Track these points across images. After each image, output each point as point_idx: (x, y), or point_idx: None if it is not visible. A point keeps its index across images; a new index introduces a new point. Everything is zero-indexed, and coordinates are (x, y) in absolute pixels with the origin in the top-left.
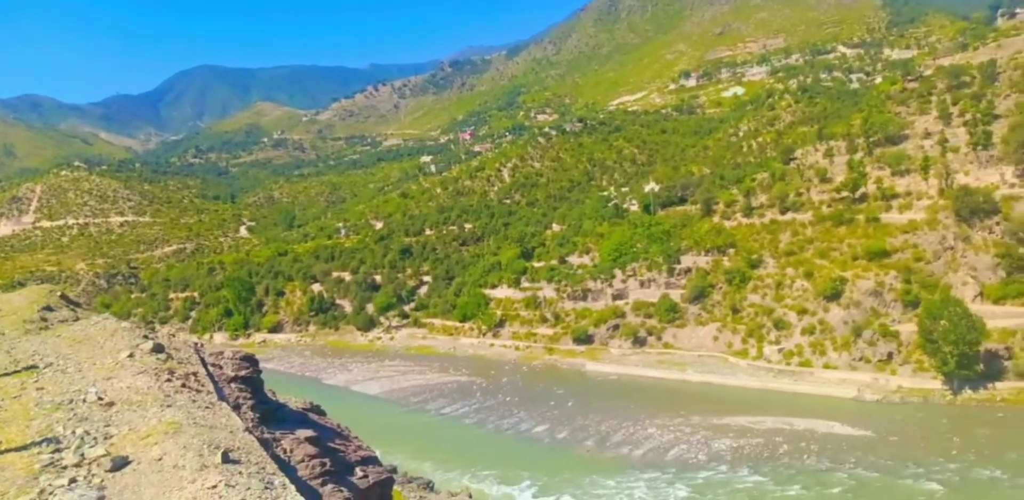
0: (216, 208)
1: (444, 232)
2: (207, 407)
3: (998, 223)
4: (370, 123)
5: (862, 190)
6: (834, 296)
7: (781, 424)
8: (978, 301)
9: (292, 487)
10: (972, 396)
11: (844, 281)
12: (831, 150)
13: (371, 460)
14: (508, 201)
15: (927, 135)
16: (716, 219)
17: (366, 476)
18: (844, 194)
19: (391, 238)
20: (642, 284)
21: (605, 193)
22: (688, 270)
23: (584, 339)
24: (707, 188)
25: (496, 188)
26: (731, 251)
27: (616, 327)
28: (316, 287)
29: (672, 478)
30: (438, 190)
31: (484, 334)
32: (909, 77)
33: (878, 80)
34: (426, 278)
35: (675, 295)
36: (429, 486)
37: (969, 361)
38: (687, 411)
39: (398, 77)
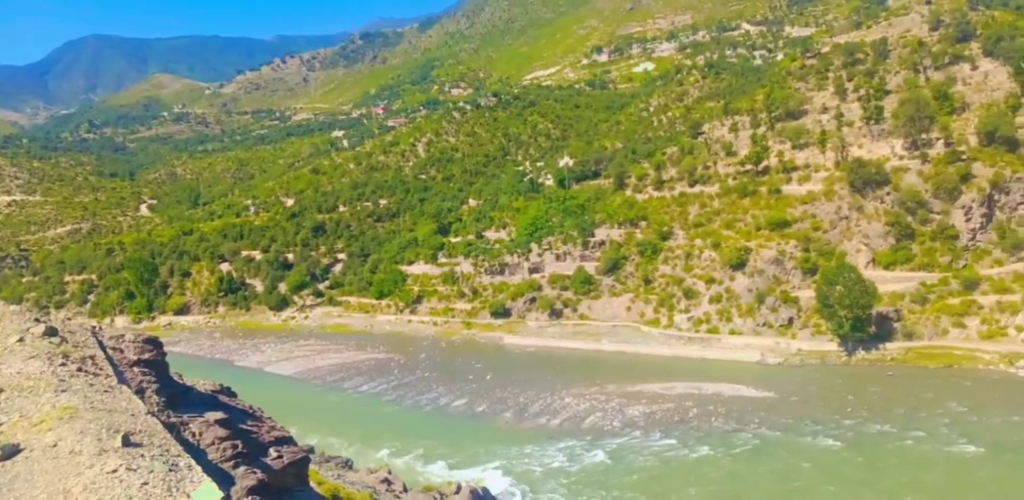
0: (114, 186)
1: (358, 208)
2: (106, 391)
3: (888, 193)
4: (278, 97)
5: (765, 163)
6: (739, 265)
7: (691, 389)
8: (870, 267)
9: (198, 468)
10: (865, 356)
11: (748, 251)
12: (736, 125)
13: (285, 440)
14: (423, 176)
15: (824, 110)
16: (628, 192)
17: (280, 457)
18: (748, 167)
19: (303, 215)
20: (558, 257)
21: (521, 168)
22: (602, 243)
23: (502, 313)
24: (619, 162)
25: (411, 163)
26: (643, 223)
27: (533, 300)
28: (225, 267)
29: (588, 445)
30: (351, 166)
31: (401, 311)
32: (808, 54)
33: (779, 57)
34: (341, 256)
35: (590, 267)
36: (348, 464)
37: (862, 324)
38: (602, 380)
39: (306, 49)
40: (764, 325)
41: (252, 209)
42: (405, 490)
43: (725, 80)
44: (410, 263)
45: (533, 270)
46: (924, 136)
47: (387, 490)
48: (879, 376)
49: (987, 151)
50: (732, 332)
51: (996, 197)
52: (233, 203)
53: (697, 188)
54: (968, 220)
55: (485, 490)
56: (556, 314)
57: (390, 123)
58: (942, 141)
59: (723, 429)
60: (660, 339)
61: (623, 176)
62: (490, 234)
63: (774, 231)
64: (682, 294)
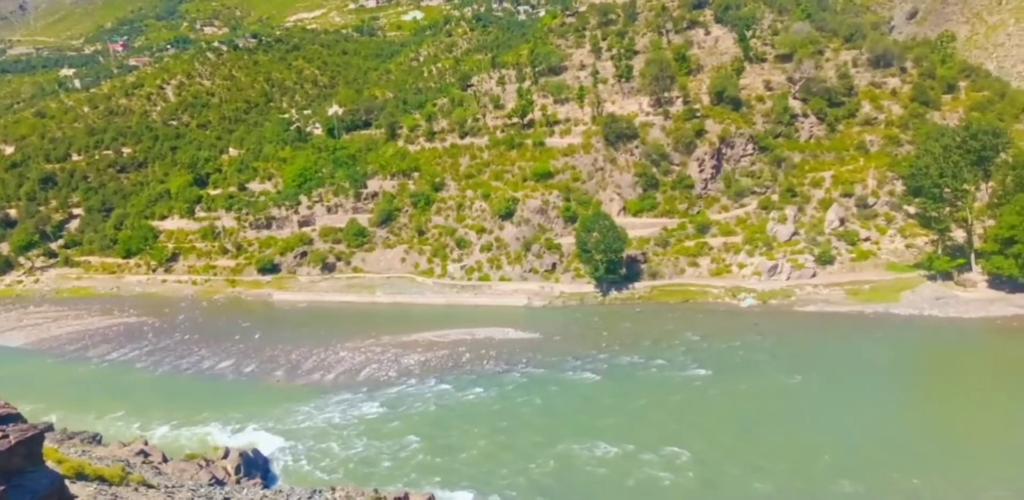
0: None
1: (97, 157)
2: None
3: (637, 146)
4: None
5: (530, 116)
6: (508, 215)
7: (464, 335)
8: (622, 214)
9: None
10: (617, 296)
11: (516, 201)
12: (503, 78)
13: (12, 418)
14: (175, 123)
15: (582, 67)
16: (401, 143)
17: (6, 436)
18: (515, 120)
19: (27, 165)
20: (329, 210)
21: (286, 115)
22: (375, 194)
23: (270, 269)
24: (391, 112)
25: (159, 108)
26: (416, 175)
27: (304, 254)
28: None
29: (365, 397)
30: (85, 109)
31: (154, 270)
32: (567, 12)
33: (541, 13)
34: (77, 211)
35: (363, 219)
36: (95, 439)
37: (615, 266)
38: (378, 332)
39: None
40: (531, 271)
41: None
42: (165, 461)
43: (492, 33)
44: (162, 218)
45: (303, 223)
46: (666, 94)
47: (144, 462)
48: (629, 313)
49: (717, 109)
50: (502, 279)
51: (724, 151)
52: None
53: (468, 140)
54: (701, 171)
55: (256, 452)
56: (329, 268)
57: (132, 62)
58: (681, 99)
59: (494, 371)
60: (434, 288)
61: (395, 126)
62: (254, 186)
63: (539, 182)
64: (455, 244)
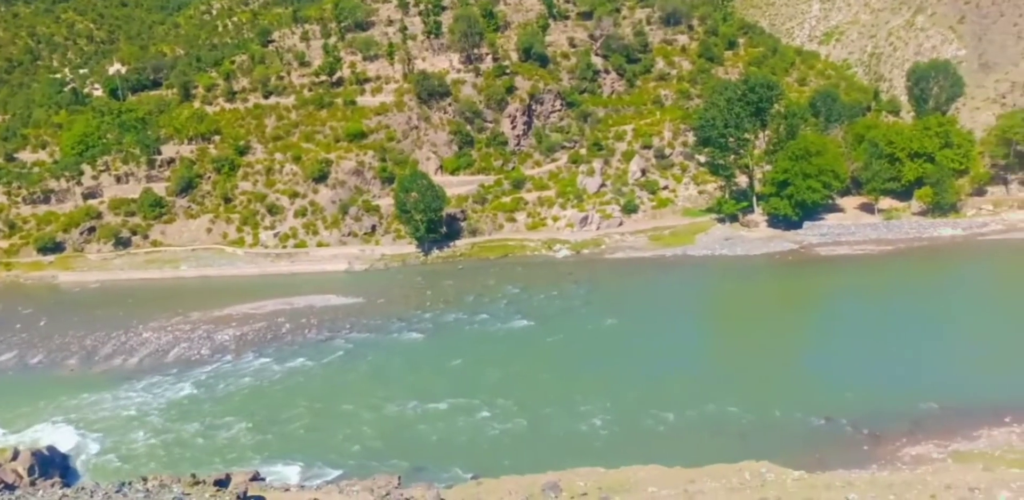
0: None
1: None
2: None
3: (450, 104)
4: None
5: (338, 74)
6: (321, 178)
7: (282, 305)
8: (439, 173)
9: None
10: (439, 255)
11: (330, 163)
12: (307, 34)
13: None
14: None
15: (390, 23)
16: (197, 104)
17: None
18: (323, 78)
19: None
20: (119, 179)
21: (58, 76)
22: (171, 161)
23: (52, 247)
24: (183, 70)
25: None
26: (217, 138)
27: (92, 230)
28: None
29: (175, 378)
30: None
31: None
32: None
33: None
34: None
35: (159, 189)
36: None
37: (435, 226)
38: (185, 309)
39: None
40: (350, 235)
41: None
42: None
43: None
44: None
45: (88, 196)
46: (476, 51)
47: None
48: (452, 271)
49: (525, 66)
50: (320, 244)
51: (534, 107)
52: None
53: (272, 99)
54: (514, 128)
55: (52, 449)
56: (123, 243)
57: None
58: (491, 56)
59: (317, 339)
60: (246, 258)
61: (189, 86)
62: (25, 156)
63: (352, 142)
64: (266, 210)
